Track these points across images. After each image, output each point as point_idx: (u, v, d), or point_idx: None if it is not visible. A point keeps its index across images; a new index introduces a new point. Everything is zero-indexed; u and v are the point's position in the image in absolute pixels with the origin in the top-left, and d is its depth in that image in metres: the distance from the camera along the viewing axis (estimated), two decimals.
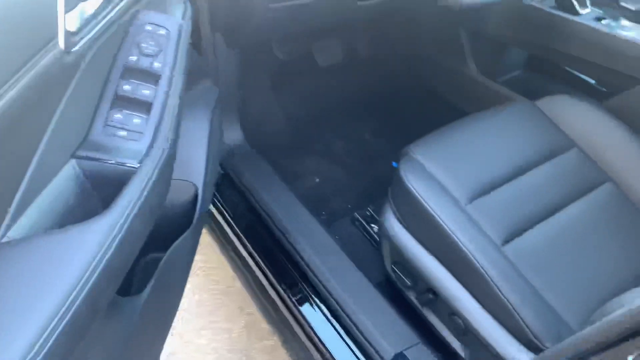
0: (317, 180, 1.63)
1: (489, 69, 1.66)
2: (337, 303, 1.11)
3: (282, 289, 1.18)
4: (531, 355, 0.89)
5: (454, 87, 1.76)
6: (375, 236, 1.43)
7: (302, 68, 1.74)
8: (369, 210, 1.50)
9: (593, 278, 1.00)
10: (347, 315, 1.09)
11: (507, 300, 0.92)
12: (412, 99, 1.86)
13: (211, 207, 1.36)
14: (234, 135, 1.46)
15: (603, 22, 1.32)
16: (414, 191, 1.04)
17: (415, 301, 1.13)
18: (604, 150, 1.19)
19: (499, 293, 0.93)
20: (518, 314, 0.91)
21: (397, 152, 1.18)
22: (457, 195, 1.06)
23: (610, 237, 1.07)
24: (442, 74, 1.79)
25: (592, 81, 1.52)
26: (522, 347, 0.91)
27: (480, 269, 0.95)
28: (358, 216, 1.49)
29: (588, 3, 1.36)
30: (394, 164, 1.66)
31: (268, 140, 1.63)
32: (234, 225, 1.30)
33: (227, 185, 1.39)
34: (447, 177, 1.08)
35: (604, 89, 1.48)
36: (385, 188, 1.17)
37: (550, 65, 1.60)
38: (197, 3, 1.18)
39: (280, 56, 1.61)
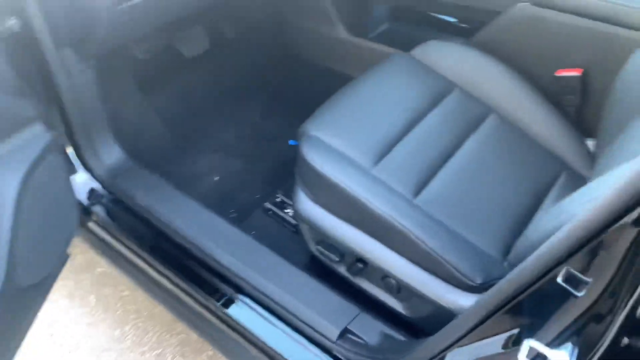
0: (217, 178, 1.55)
1: (358, 28, 1.66)
2: (269, 298, 1.07)
3: (207, 299, 1.11)
4: (468, 294, 0.92)
5: (329, 52, 1.74)
6: (292, 220, 1.40)
7: (167, 63, 1.61)
8: (278, 196, 1.46)
9: (500, 206, 1.06)
10: (283, 307, 1.05)
11: (430, 248, 0.94)
12: (292, 72, 1.82)
13: (108, 237, 1.23)
14: (111, 153, 1.32)
15: None
16: (319, 168, 1.03)
17: (346, 274, 1.13)
18: (481, 85, 1.25)
19: (421, 244, 0.95)
20: (443, 258, 0.94)
21: (291, 129, 1.14)
22: (361, 161, 1.06)
23: (505, 164, 1.13)
24: (314, 41, 1.76)
25: (454, 20, 1.58)
26: (456, 290, 0.94)
27: (399, 226, 0.96)
28: (270, 205, 1.45)
29: None
30: (290, 142, 1.63)
31: (151, 149, 1.50)
32: (138, 250, 1.19)
33: (119, 209, 1.26)
34: (348, 147, 1.08)
35: (467, 26, 1.54)
36: (288, 169, 1.14)
37: (414, 12, 1.64)
38: (29, 20, 1.02)
39: (140, 56, 1.48)
